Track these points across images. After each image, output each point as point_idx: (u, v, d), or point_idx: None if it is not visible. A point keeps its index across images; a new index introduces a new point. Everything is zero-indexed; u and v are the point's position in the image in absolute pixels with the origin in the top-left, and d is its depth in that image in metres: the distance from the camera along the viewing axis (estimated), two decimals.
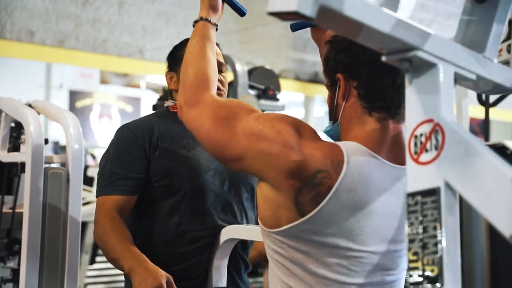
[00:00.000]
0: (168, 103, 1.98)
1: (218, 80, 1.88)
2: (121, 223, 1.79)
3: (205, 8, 1.52)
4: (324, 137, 1.30)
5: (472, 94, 3.15)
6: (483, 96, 3.27)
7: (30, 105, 2.04)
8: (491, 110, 3.75)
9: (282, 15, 0.83)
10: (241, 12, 1.68)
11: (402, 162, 1.24)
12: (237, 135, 1.24)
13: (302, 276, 1.23)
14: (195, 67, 1.41)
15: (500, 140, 2.47)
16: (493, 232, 2.57)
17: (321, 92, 9.15)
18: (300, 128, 1.23)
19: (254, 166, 1.23)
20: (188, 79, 1.40)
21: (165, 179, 1.84)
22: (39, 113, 2.00)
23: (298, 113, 11.37)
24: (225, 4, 1.61)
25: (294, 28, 1.63)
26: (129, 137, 1.85)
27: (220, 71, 1.90)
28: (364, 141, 1.24)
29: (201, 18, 1.51)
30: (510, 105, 4.31)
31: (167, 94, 2.19)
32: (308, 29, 1.61)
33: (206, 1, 1.52)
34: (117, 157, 1.84)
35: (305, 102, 9.97)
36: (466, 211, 2.52)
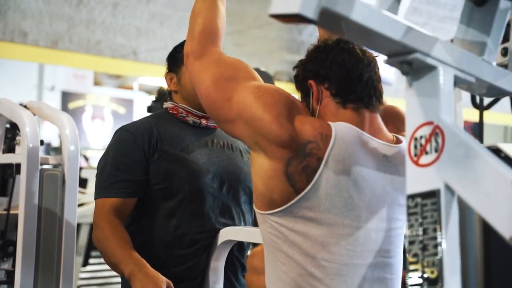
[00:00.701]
0: (168, 104, 1.97)
1: None
2: (120, 226, 1.78)
3: None
4: None
5: (466, 97, 3.17)
6: (477, 99, 3.28)
7: (25, 106, 2.03)
8: (484, 113, 3.77)
9: (283, 18, 0.83)
10: None
11: (386, 140, 1.29)
12: (233, 98, 1.28)
13: (301, 261, 1.23)
14: (205, 17, 1.41)
15: (494, 143, 2.48)
16: (487, 233, 2.58)
17: None
18: (294, 103, 1.28)
19: (246, 131, 1.27)
20: (197, 29, 1.40)
21: (165, 181, 1.83)
22: (34, 114, 1.98)
23: None
24: None
25: None
26: (129, 138, 1.84)
27: None
28: (346, 121, 1.29)
29: None
30: (502, 108, 4.34)
31: (163, 95, 2.17)
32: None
33: None
34: (116, 158, 1.83)
35: None
36: (460, 212, 2.53)
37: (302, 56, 1.43)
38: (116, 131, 1.90)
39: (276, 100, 1.26)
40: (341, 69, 1.31)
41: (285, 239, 1.25)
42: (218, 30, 1.41)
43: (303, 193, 1.21)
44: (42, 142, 1.93)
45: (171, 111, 1.94)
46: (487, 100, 3.96)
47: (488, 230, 2.61)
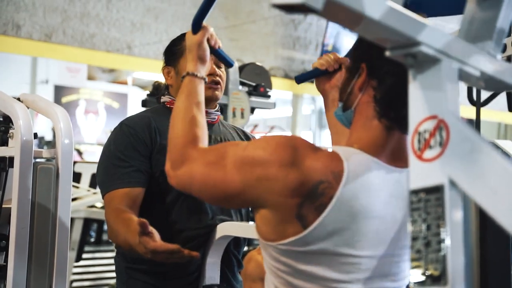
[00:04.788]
0: (165, 98, 1.94)
1: (217, 75, 1.88)
2: (125, 212, 1.71)
3: (193, 59, 1.47)
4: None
5: (462, 94, 3.16)
6: (474, 96, 3.28)
7: (18, 99, 2.00)
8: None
9: (287, 8, 0.81)
10: (228, 64, 1.67)
11: (403, 165, 1.23)
12: (231, 171, 1.20)
13: (300, 285, 1.21)
14: (181, 129, 1.37)
15: (491, 140, 2.47)
16: (483, 229, 2.58)
17: (309, 90, 9.14)
18: (293, 142, 1.20)
19: (255, 195, 1.19)
20: (173, 143, 1.37)
21: (162, 177, 1.80)
22: (28, 107, 1.96)
23: (286, 111, 11.36)
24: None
25: (299, 80, 1.63)
26: (130, 133, 1.82)
27: (218, 66, 1.89)
28: (365, 145, 1.22)
29: (187, 73, 1.45)
30: (496, 105, 4.35)
31: (159, 89, 2.15)
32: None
33: (195, 52, 1.47)
34: (120, 151, 1.81)
35: (293, 100, 9.97)
36: None
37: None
38: (116, 127, 1.88)
39: (271, 150, 1.18)
40: (397, 81, 1.17)
41: (284, 268, 1.22)
42: (196, 136, 1.35)
43: (309, 228, 1.16)
44: (35, 135, 1.90)
45: (168, 105, 1.92)
46: (483, 97, 3.96)
47: (484, 225, 2.60)
